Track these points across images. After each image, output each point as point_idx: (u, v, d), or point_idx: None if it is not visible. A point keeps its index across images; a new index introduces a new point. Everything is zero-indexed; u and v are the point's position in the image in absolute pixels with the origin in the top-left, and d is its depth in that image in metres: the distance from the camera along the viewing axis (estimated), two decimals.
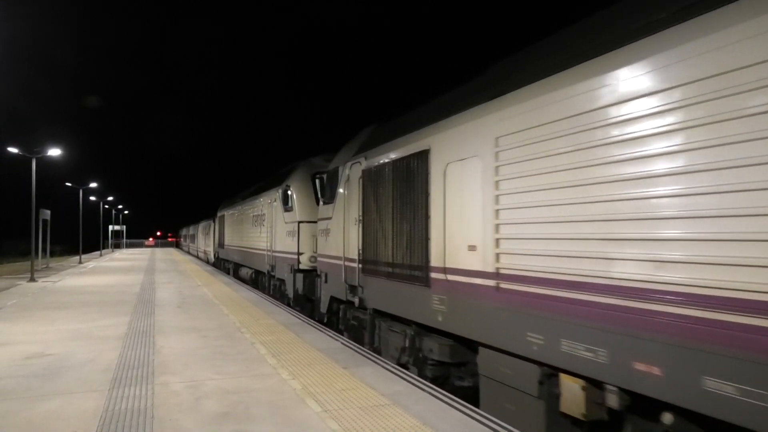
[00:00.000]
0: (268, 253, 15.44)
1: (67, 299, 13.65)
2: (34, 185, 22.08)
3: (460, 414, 4.68)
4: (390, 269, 7.00)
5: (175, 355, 7.07)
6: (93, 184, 38.34)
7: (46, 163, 23.86)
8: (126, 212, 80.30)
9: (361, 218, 7.99)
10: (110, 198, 55.24)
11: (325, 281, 9.98)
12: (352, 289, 8.45)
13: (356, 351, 7.31)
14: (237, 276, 21.87)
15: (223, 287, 16.70)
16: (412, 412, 4.72)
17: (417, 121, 6.76)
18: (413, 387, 5.53)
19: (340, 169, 9.23)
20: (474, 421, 4.49)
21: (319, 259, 10.59)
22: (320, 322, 10.13)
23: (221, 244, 27.05)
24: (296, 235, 12.53)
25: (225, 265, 26.24)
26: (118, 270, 26.18)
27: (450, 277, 5.63)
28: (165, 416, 4.68)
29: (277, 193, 14.50)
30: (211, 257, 32.76)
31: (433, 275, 5.95)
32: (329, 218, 9.67)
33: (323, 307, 10.25)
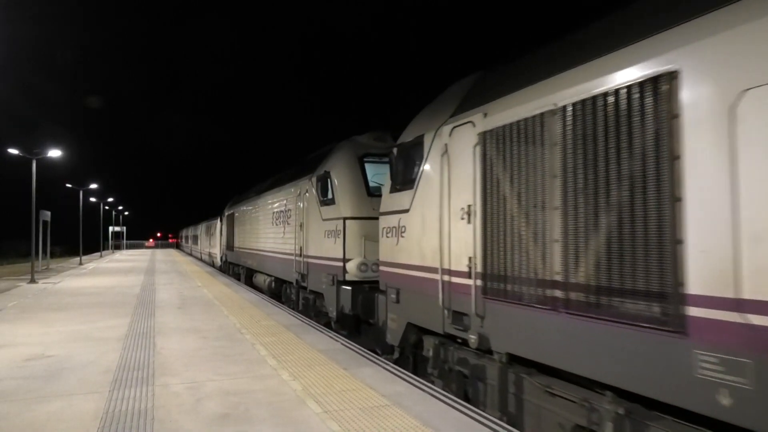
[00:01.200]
0: (297, 258, 12.47)
1: (68, 301, 13.65)
2: (35, 186, 22.12)
3: (460, 414, 4.68)
4: (560, 294, 4.30)
5: (175, 357, 7.07)
6: (93, 185, 38.46)
7: (46, 164, 23.93)
8: (126, 213, 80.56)
9: (478, 208, 5.48)
10: (110, 199, 55.41)
11: (396, 301, 7.34)
12: (459, 318, 5.78)
13: (356, 352, 7.31)
14: (251, 284, 18.95)
15: (223, 288, 16.71)
16: (413, 413, 4.72)
17: (628, 29, 4.10)
18: (413, 388, 5.54)
19: (427, 138, 6.65)
20: (474, 422, 4.49)
21: (383, 268, 7.90)
22: (384, 354, 7.74)
23: (230, 246, 23.98)
24: (341, 235, 9.71)
25: (235, 269, 23.20)
26: (118, 271, 26.18)
27: (760, 322, 2.98)
28: (165, 418, 4.69)
29: (309, 183, 11.57)
30: (218, 260, 29.80)
31: (699, 313, 3.28)
32: (404, 211, 7.17)
33: (393, 338, 7.48)
